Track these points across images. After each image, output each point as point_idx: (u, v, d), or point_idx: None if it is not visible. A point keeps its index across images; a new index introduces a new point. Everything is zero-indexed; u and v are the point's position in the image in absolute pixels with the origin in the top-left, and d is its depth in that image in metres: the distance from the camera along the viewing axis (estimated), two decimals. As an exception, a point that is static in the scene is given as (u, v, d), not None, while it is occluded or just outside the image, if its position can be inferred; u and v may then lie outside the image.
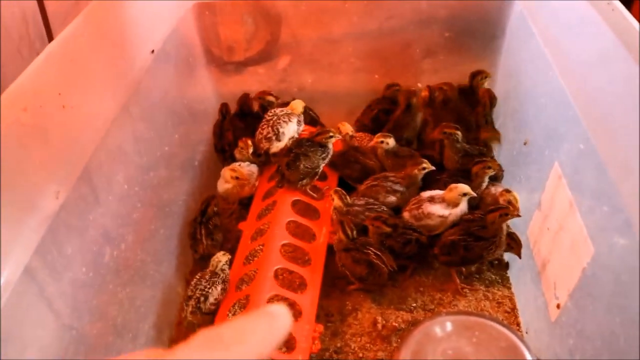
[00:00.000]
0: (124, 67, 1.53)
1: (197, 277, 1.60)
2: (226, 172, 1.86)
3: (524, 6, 1.81)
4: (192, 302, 1.55)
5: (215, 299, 1.57)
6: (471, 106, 2.00)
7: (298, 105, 1.95)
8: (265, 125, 1.86)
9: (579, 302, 1.28)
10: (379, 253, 1.63)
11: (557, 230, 1.43)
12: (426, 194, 1.76)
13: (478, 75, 2.01)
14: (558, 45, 1.52)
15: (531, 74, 1.72)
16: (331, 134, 1.83)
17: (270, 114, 1.88)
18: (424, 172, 1.81)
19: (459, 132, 1.83)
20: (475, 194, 1.70)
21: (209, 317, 1.58)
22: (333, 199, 1.76)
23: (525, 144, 1.71)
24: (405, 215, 1.75)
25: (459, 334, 1.05)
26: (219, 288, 1.57)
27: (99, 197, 1.37)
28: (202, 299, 1.55)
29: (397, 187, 1.82)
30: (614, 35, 1.20)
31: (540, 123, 1.62)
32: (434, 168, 1.82)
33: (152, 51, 1.66)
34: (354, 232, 1.65)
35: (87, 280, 1.28)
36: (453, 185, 1.71)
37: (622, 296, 1.11)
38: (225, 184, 1.86)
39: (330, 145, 1.85)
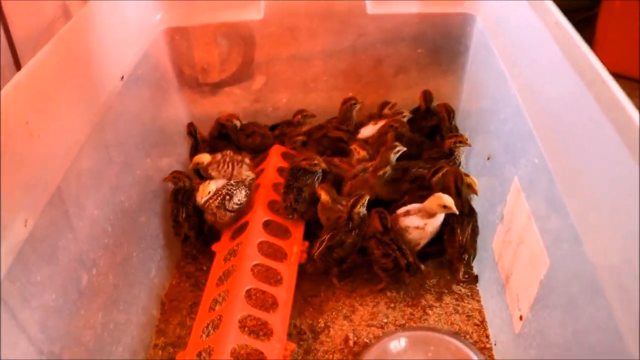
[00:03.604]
0: (93, 93, 1.56)
1: (227, 182, 1.89)
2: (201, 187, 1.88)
3: (484, 24, 1.86)
4: (219, 198, 1.83)
5: (239, 200, 1.85)
6: (428, 124, 2.08)
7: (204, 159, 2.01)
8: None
9: (539, 314, 1.31)
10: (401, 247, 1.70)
11: (517, 243, 1.46)
12: (402, 209, 1.79)
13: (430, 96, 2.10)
14: (514, 62, 1.57)
15: (492, 90, 1.76)
16: (315, 162, 1.87)
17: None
18: (398, 154, 1.88)
19: (388, 169, 1.86)
20: (457, 211, 1.70)
21: (230, 217, 1.85)
22: (320, 195, 1.82)
23: (488, 159, 1.76)
24: None
25: (415, 348, 1.08)
26: (243, 192, 1.87)
27: (69, 223, 1.39)
28: (227, 197, 1.83)
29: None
30: (560, 53, 1.25)
31: (501, 138, 1.66)
32: (405, 149, 1.88)
33: (122, 77, 1.69)
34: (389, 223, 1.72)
35: (58, 305, 1.29)
36: (437, 194, 1.73)
37: (573, 307, 1.14)
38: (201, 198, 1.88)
39: (319, 169, 1.90)
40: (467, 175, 1.77)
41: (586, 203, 1.11)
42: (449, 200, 1.70)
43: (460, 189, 1.74)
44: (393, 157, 1.88)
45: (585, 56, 1.19)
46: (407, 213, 1.77)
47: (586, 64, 1.17)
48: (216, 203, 1.83)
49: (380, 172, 1.85)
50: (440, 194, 1.72)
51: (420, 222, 1.73)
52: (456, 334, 1.12)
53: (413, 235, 1.74)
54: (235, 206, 1.85)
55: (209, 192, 1.84)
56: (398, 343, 1.09)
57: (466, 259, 1.78)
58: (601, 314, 1.01)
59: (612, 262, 0.99)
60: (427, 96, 2.09)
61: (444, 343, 1.10)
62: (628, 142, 0.97)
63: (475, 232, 1.76)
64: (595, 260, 1.04)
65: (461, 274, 1.78)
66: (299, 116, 2.20)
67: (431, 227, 1.73)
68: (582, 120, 1.15)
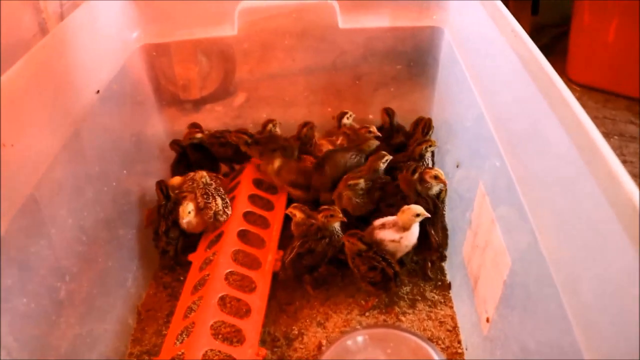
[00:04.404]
0: (67, 106, 1.59)
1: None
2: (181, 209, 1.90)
3: (451, 36, 1.92)
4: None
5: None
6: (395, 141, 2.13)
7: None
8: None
9: (502, 314, 1.34)
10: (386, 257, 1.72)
11: (484, 246, 1.49)
12: (378, 221, 1.80)
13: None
14: (477, 70, 1.61)
15: (458, 99, 1.81)
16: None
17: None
18: (386, 163, 1.92)
19: (361, 181, 1.89)
20: (428, 215, 1.73)
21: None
22: (295, 214, 1.83)
23: (457, 166, 1.79)
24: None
25: (374, 345, 1.10)
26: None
27: (42, 230, 1.41)
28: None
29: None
30: (516, 59, 1.29)
31: (467, 145, 1.70)
32: (391, 157, 1.93)
33: (98, 91, 1.72)
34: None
35: (29, 311, 1.31)
36: (405, 207, 1.75)
37: (531, 305, 1.17)
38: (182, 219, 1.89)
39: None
40: (431, 168, 1.83)
41: (542, 202, 1.14)
42: (418, 208, 1.73)
43: (419, 191, 1.80)
44: (382, 165, 1.92)
45: (540, 64, 1.23)
46: (383, 226, 1.78)
47: (540, 71, 1.21)
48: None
49: (352, 182, 1.88)
50: (409, 206, 1.75)
51: (395, 235, 1.75)
52: (417, 332, 1.14)
53: (389, 247, 1.76)
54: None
55: (189, 212, 1.86)
56: (357, 341, 1.10)
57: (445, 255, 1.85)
58: (554, 309, 1.03)
59: (565, 260, 1.02)
60: (389, 112, 2.14)
61: (403, 340, 1.11)
62: (578, 144, 1.01)
63: (444, 226, 1.82)
64: (550, 258, 1.07)
65: (427, 267, 1.84)
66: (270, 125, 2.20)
67: (406, 240, 1.76)
68: (537, 123, 1.19)
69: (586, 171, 0.96)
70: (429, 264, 1.85)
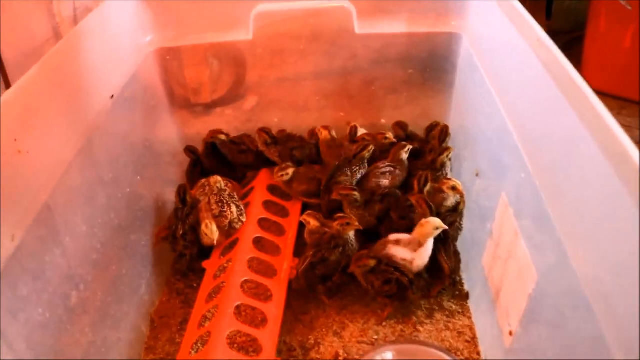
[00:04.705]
0: (82, 112, 1.57)
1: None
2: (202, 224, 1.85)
3: (470, 42, 1.89)
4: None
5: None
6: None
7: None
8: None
9: (527, 328, 1.31)
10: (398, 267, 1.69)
11: (506, 258, 1.46)
12: (394, 236, 1.77)
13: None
14: (499, 79, 1.59)
15: (479, 107, 1.78)
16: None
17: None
18: (408, 153, 1.92)
19: (355, 193, 1.87)
20: (446, 227, 1.71)
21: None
22: (309, 222, 1.80)
23: (476, 175, 1.77)
24: (374, 254, 1.75)
25: (401, 361, 1.07)
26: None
27: (56, 239, 1.39)
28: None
29: (386, 169, 1.92)
30: (543, 69, 1.26)
31: (488, 154, 1.68)
32: (411, 146, 1.93)
33: (112, 96, 1.70)
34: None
35: (44, 321, 1.29)
36: (424, 220, 1.72)
37: (561, 321, 1.14)
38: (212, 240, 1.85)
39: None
40: (449, 179, 1.79)
41: (572, 216, 1.12)
42: (437, 221, 1.71)
43: (435, 209, 1.77)
44: (404, 155, 1.91)
45: (567, 72, 1.20)
46: (397, 242, 1.75)
47: (568, 79, 1.19)
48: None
49: (344, 192, 1.86)
50: (427, 219, 1.72)
51: (407, 255, 1.72)
52: (444, 348, 1.11)
53: (398, 265, 1.72)
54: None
55: (216, 231, 1.82)
56: (385, 357, 1.08)
57: (459, 279, 1.82)
58: (588, 327, 1.01)
59: (597, 274, 1.00)
60: (402, 126, 2.14)
61: (431, 356, 1.09)
62: (610, 156, 0.98)
63: (457, 251, 1.80)
64: (581, 273, 1.04)
65: (436, 291, 1.80)
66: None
67: (419, 260, 1.72)
68: (565, 134, 1.16)
69: (619, 185, 0.94)
70: (438, 290, 1.80)
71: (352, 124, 2.16)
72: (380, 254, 1.74)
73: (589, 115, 1.07)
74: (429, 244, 1.72)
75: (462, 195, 1.78)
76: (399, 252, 1.72)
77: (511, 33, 1.46)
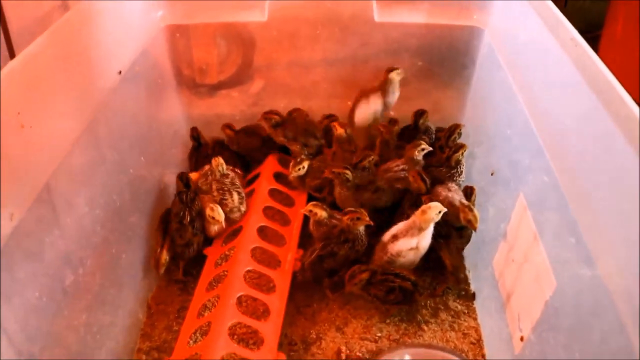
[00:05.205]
0: (89, 87, 1.50)
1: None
2: (206, 209, 1.79)
3: (492, 38, 1.84)
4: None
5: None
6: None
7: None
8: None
9: (542, 336, 1.27)
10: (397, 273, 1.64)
11: (521, 262, 1.42)
12: (386, 235, 1.71)
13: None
14: (524, 78, 1.54)
15: (498, 105, 1.73)
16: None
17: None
18: (423, 152, 1.85)
19: (348, 172, 1.83)
20: (445, 209, 1.66)
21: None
22: (316, 213, 1.74)
23: (492, 174, 1.72)
24: (378, 262, 1.71)
25: (418, 367, 1.03)
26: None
27: (57, 220, 1.33)
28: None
29: (401, 174, 1.86)
30: (576, 71, 1.22)
31: (506, 154, 1.63)
32: (431, 149, 1.86)
33: (120, 72, 1.63)
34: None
35: (40, 304, 1.23)
36: (425, 206, 1.65)
37: (581, 330, 1.10)
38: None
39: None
40: (471, 210, 1.67)
41: (600, 224, 1.07)
42: (439, 206, 1.65)
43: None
44: (418, 155, 1.85)
45: (603, 74, 1.16)
46: (395, 237, 1.68)
47: (604, 82, 1.14)
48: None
49: (336, 171, 1.82)
50: (429, 205, 1.65)
51: (412, 242, 1.66)
52: (458, 353, 1.07)
53: (407, 258, 1.68)
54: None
55: (220, 213, 1.77)
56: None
57: (463, 276, 1.77)
58: (616, 339, 0.97)
59: (628, 285, 0.96)
60: (417, 114, 2.08)
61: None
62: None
63: (459, 248, 1.76)
64: (610, 284, 1.00)
65: (442, 290, 1.75)
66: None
67: (424, 242, 1.67)
68: (598, 139, 1.11)
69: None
70: (443, 289, 1.75)
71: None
72: (382, 260, 1.69)
73: (626, 121, 1.03)
74: (430, 228, 1.67)
75: (474, 229, 1.68)
76: (403, 245, 1.67)
77: (542, 31, 1.41)
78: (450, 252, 1.74)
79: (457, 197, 1.73)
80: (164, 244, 1.75)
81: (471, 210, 1.67)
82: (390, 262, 1.68)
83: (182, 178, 1.84)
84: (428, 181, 1.77)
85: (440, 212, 1.64)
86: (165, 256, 1.74)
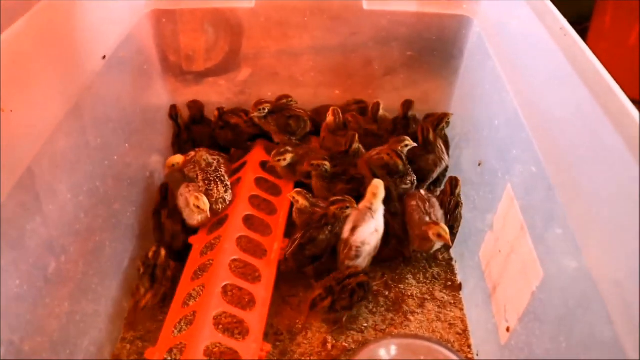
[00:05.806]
0: (72, 71, 1.47)
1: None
2: (190, 198, 1.76)
3: (482, 28, 1.82)
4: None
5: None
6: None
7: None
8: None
9: (528, 326, 1.27)
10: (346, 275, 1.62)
11: (508, 252, 1.42)
12: (345, 233, 1.68)
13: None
14: (513, 68, 1.53)
15: (486, 95, 1.72)
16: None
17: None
18: (407, 148, 1.84)
19: (326, 163, 1.83)
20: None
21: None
22: (298, 201, 1.74)
23: (479, 165, 1.72)
24: (346, 264, 1.68)
25: (404, 357, 1.03)
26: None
27: (39, 206, 1.30)
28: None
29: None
30: (566, 61, 1.21)
31: (494, 144, 1.63)
32: (415, 144, 1.85)
33: (104, 57, 1.60)
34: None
35: (21, 292, 1.21)
36: (372, 187, 1.68)
37: (568, 321, 1.10)
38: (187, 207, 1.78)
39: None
40: (436, 224, 1.68)
41: (587, 215, 1.07)
42: (381, 182, 1.69)
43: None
44: (401, 150, 1.84)
45: (592, 64, 1.16)
46: (354, 229, 1.66)
47: (593, 72, 1.14)
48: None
49: (315, 163, 1.82)
50: (374, 182, 1.68)
51: (371, 226, 1.66)
52: (452, 349, 1.07)
53: (372, 243, 1.67)
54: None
55: (206, 203, 1.74)
56: (387, 350, 1.03)
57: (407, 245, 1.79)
58: (602, 330, 0.97)
59: (615, 276, 0.96)
60: (405, 105, 2.05)
61: (433, 353, 1.04)
62: (636, 155, 0.93)
63: (404, 224, 1.78)
64: (597, 274, 1.00)
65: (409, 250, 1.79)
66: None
67: (380, 222, 1.69)
68: (588, 130, 1.11)
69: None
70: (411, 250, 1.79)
71: (375, 101, 2.09)
72: (349, 257, 1.66)
73: (617, 114, 1.02)
74: (382, 208, 1.69)
75: (447, 243, 1.68)
76: (364, 232, 1.65)
77: (531, 21, 1.40)
78: (397, 222, 1.77)
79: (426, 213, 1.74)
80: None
81: (436, 224, 1.67)
82: (357, 255, 1.66)
83: (162, 191, 1.84)
84: (404, 157, 1.80)
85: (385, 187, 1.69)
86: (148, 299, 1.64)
